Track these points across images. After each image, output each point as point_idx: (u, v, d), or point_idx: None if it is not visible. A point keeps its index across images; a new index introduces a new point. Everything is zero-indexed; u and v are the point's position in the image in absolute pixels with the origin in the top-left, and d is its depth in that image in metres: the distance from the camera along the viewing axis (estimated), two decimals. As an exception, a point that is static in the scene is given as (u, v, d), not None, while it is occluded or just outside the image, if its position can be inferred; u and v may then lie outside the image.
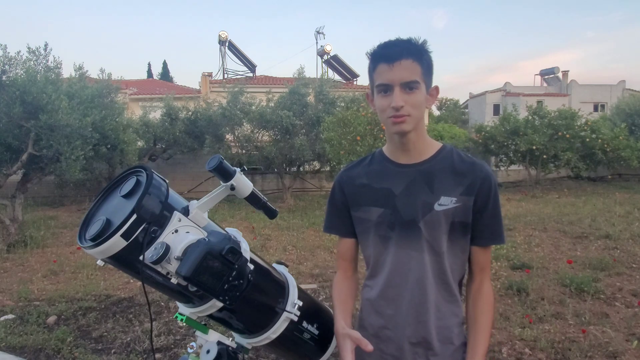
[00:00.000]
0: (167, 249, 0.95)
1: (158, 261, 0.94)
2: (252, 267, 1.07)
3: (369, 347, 1.06)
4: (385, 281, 1.22)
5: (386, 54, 1.11)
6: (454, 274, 1.20)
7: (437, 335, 1.19)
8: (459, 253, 1.20)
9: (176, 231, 1.00)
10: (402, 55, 1.09)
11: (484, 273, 1.22)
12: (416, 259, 1.17)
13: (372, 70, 1.15)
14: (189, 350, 1.16)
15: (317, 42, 22.94)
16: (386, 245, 1.21)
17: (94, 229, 0.97)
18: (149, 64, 43.94)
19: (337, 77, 21.63)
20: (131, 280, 4.82)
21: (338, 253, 1.36)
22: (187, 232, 1.02)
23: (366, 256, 1.29)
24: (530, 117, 12.76)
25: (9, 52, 6.14)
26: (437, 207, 1.15)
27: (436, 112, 35.01)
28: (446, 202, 1.15)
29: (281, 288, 1.26)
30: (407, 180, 1.19)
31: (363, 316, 1.30)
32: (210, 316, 1.15)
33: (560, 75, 32.32)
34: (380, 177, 1.23)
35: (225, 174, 1.13)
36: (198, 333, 1.16)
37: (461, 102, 36.46)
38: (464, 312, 1.24)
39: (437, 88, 1.19)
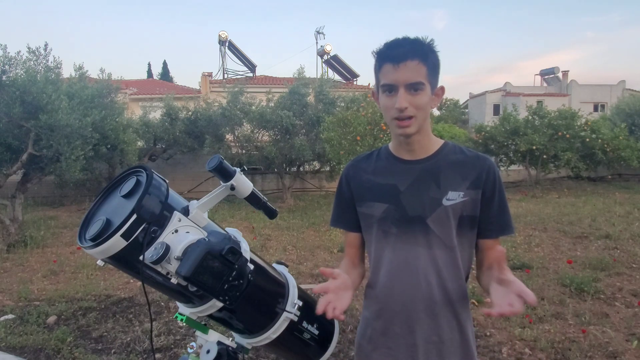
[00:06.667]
0: (167, 249, 0.95)
1: (158, 261, 0.94)
2: (252, 267, 1.07)
3: (334, 274, 1.04)
4: (390, 279, 1.21)
5: (391, 55, 1.10)
6: (465, 269, 1.22)
7: (447, 328, 1.19)
8: (467, 247, 1.21)
9: (176, 231, 1.00)
10: (408, 56, 1.08)
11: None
12: (422, 255, 1.17)
13: (377, 69, 1.15)
14: (189, 350, 1.16)
15: (317, 42, 22.97)
16: (389, 241, 1.21)
17: (94, 229, 0.97)
18: (149, 64, 44.11)
19: (337, 77, 21.64)
20: (131, 280, 4.82)
21: (345, 243, 1.36)
22: (187, 232, 1.02)
23: (369, 252, 1.29)
24: (530, 117, 12.75)
25: (9, 52, 6.13)
26: (445, 202, 1.16)
27: (436, 112, 34.92)
28: (454, 197, 1.16)
29: (281, 288, 1.26)
30: (412, 177, 1.20)
31: (369, 316, 1.28)
32: (210, 316, 1.15)
33: (560, 75, 32.30)
34: (386, 173, 1.24)
35: (225, 174, 1.13)
36: (198, 333, 1.16)
37: (461, 102, 36.39)
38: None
39: (442, 88, 1.19)
